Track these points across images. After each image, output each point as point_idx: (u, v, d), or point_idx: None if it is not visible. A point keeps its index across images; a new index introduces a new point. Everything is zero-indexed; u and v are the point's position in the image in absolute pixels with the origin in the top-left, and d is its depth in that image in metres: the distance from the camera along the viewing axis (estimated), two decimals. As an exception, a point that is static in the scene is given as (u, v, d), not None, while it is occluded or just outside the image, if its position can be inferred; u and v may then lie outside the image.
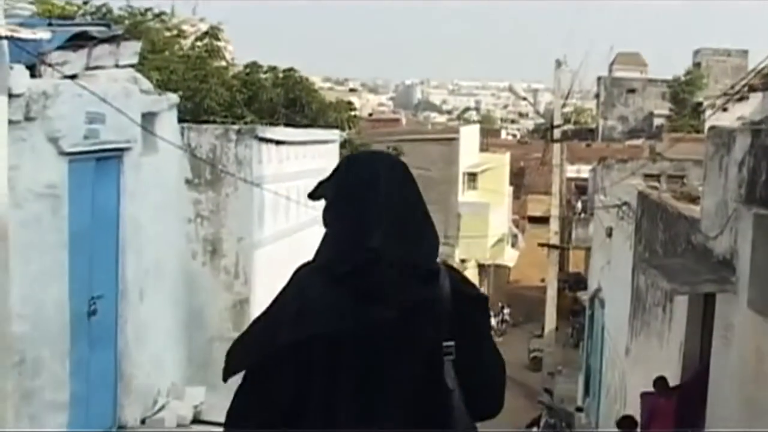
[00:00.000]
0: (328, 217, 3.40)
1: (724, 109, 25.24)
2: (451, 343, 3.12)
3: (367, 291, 3.08)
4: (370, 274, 3.09)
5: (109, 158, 9.67)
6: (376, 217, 3.18)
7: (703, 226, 12.32)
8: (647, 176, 21.92)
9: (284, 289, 3.40)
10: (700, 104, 58.20)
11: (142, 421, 10.44)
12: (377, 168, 3.35)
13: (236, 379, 4.84)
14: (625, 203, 18.56)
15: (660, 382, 13.05)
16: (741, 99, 32.94)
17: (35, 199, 8.20)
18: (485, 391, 3.45)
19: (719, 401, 11.29)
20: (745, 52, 64.60)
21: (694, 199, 15.53)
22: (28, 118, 8.04)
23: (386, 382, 3.07)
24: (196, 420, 10.97)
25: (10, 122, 7.70)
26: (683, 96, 66.60)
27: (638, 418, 13.30)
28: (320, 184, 3.45)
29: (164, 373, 11.05)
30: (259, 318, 3.35)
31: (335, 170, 3.45)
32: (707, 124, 25.75)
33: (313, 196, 3.43)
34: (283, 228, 13.16)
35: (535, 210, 49.77)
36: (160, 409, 10.80)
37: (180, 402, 11.07)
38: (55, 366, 8.54)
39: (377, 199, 3.21)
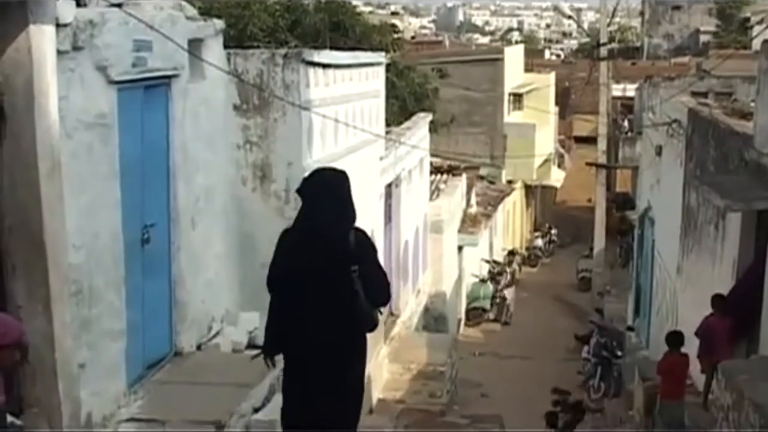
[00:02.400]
0: (301, 205, 6.68)
1: (773, 24, 24.72)
2: (356, 267, 6.40)
3: (313, 243, 6.42)
4: (315, 234, 6.45)
5: (157, 86, 9.66)
6: (320, 205, 6.47)
7: (757, 142, 12.15)
8: (694, 94, 21.56)
9: (278, 240, 6.75)
10: (747, 20, 57.21)
11: (198, 347, 10.54)
12: (324, 177, 6.78)
13: None
14: (675, 120, 18.31)
15: (717, 299, 12.97)
16: (791, 13, 32.29)
17: (85, 129, 8.21)
18: (375, 290, 6.55)
19: (774, 319, 11.22)
20: (793, -35, 63.21)
21: (745, 116, 15.32)
22: (75, 48, 8.02)
23: (324, 287, 6.39)
24: (251, 345, 11.05)
25: (59, 52, 7.68)
26: (730, 12, 65.43)
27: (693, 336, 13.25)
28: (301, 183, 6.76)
29: (218, 299, 11.13)
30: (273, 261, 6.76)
31: (304, 178, 6.89)
32: (755, 41, 25.29)
33: (298, 191, 6.69)
34: (332, 152, 13.12)
35: (581, 130, 49.38)
36: (215, 335, 10.90)
37: (234, 328, 11.16)
38: (110, 295, 8.62)
39: (320, 196, 6.51)
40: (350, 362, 6.57)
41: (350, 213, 6.57)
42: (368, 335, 6.74)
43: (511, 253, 35.51)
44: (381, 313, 6.82)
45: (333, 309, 6.37)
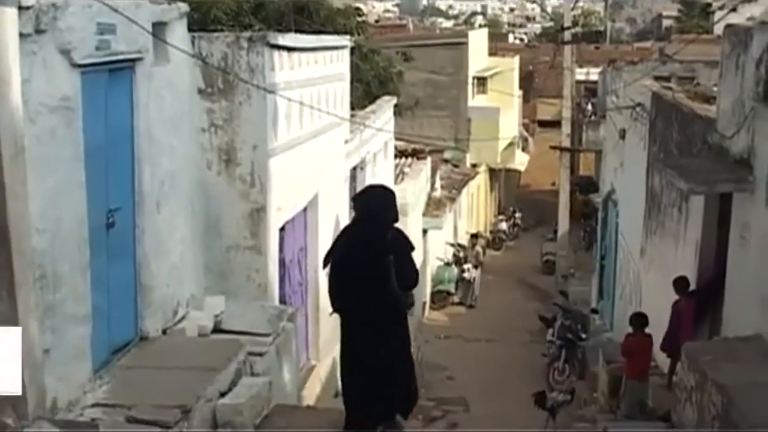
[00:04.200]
0: (354, 210, 8.76)
1: (734, 10, 24.86)
2: (391, 257, 8.15)
3: (355, 239, 8.49)
4: (356, 233, 8.57)
5: (122, 69, 9.57)
6: (361, 212, 8.62)
7: (720, 125, 12.25)
8: (657, 78, 21.69)
9: (336, 238, 8.90)
10: (709, 5, 57.40)
11: (164, 332, 10.50)
12: (367, 191, 9.30)
13: (254, 292, 12.01)
14: (639, 104, 18.44)
15: (680, 281, 13.08)
16: None
17: (49, 112, 8.13)
18: (404, 276, 8.30)
19: (736, 301, 11.33)
20: (755, -50, 63.49)
21: (708, 99, 15.45)
22: (38, 31, 7.92)
23: (364, 271, 8.20)
24: (217, 329, 11.03)
25: (21, 35, 7.59)
26: (692, -4, 65.66)
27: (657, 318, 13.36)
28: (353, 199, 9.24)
29: (183, 283, 11.09)
30: (331, 246, 8.75)
31: (356, 195, 9.69)
32: (717, 25, 25.40)
33: (353, 199, 9.06)
34: (297, 135, 13.11)
35: (544, 114, 49.55)
36: (180, 320, 10.85)
37: (200, 312, 11.12)
38: (75, 279, 8.56)
39: (362, 205, 8.65)
40: (386, 325, 8.37)
41: (388, 218, 8.47)
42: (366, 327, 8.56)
43: (474, 236, 35.61)
44: (413, 295, 8.73)
45: (370, 288, 8.22)
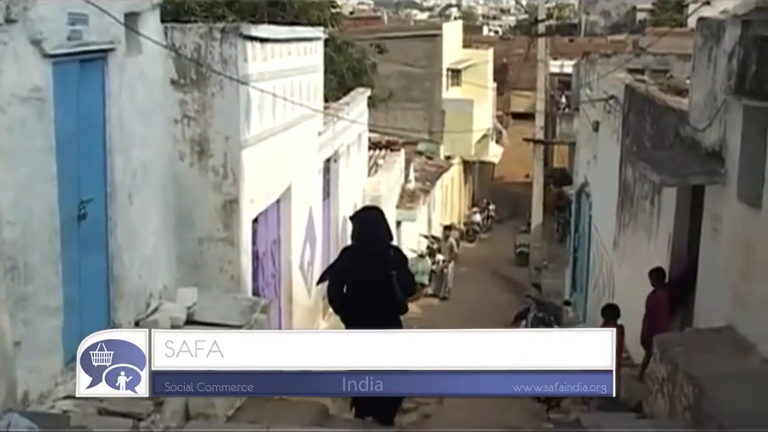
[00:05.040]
0: (353, 230, 10.00)
1: (707, 3, 24.97)
2: (394, 272, 9.56)
3: (363, 253, 9.68)
4: (364, 247, 9.75)
5: (93, 60, 9.51)
6: (363, 232, 9.81)
7: (692, 118, 12.30)
8: (631, 71, 21.74)
9: (341, 251, 10.34)
10: (682, -2, 57.69)
11: (136, 324, 10.44)
12: (366, 212, 10.46)
13: (227, 284, 12.20)
14: (612, 97, 18.49)
15: (656, 273, 13.13)
16: (725, -8, 32.59)
17: (20, 103, 8.07)
18: (405, 286, 9.67)
19: (707, 293, 11.39)
20: (728, -57, 63.68)
21: (681, 92, 15.50)
22: (8, 20, 7.87)
23: (370, 283, 9.50)
24: (190, 321, 10.99)
25: (-9, 25, 7.55)
26: (666, -10, 65.89)
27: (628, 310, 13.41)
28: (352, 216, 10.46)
29: (156, 275, 11.04)
30: (339, 254, 10.27)
31: (355, 212, 10.79)
32: (691, 18, 25.51)
33: (351, 219, 10.27)
34: (270, 126, 13.08)
35: (518, 106, 49.64)
36: (153, 312, 10.81)
37: (172, 304, 11.08)
38: (46, 271, 8.51)
39: (367, 223, 9.90)
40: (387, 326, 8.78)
41: (386, 238, 9.89)
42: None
43: (448, 227, 35.63)
44: (410, 301, 10.26)
45: (376, 297, 9.49)
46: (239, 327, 11.04)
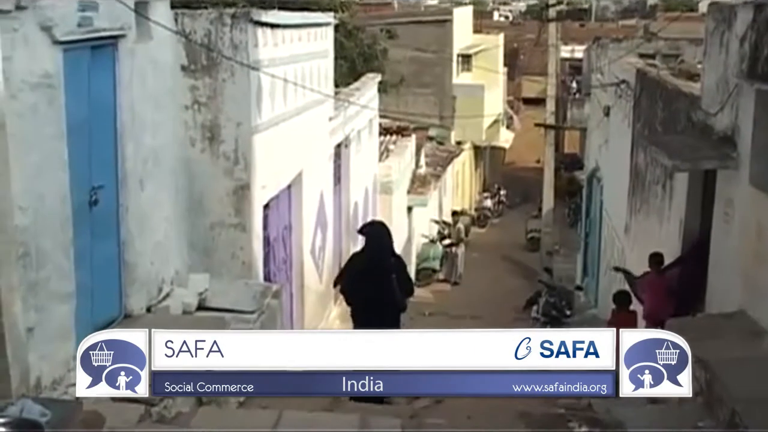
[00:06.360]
0: (365, 241, 11.29)
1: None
2: (394, 275, 10.76)
3: (370, 259, 10.98)
4: (371, 255, 11.02)
5: (104, 46, 9.52)
6: (372, 242, 11.06)
7: (704, 102, 12.25)
8: (642, 56, 21.68)
9: (350, 257, 12.49)
10: (694, -17, 57.47)
11: (148, 310, 10.48)
12: (373, 226, 11.88)
13: (238, 270, 12.30)
14: (624, 81, 18.43)
15: (654, 257, 13.12)
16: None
17: (31, 89, 8.09)
18: (404, 288, 10.92)
19: (719, 278, 11.36)
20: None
21: (692, 77, 15.44)
22: (19, 7, 7.88)
23: (373, 284, 10.68)
24: (201, 307, 11.02)
25: (1, 12, 7.55)
26: (677, -26, 65.66)
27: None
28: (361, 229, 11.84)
29: (167, 261, 11.07)
30: (350, 259, 12.12)
31: (364, 225, 12.66)
32: (702, 3, 25.43)
33: (360, 232, 11.83)
34: (281, 112, 13.08)
35: (529, 91, 49.55)
36: (165, 297, 10.84)
37: (184, 289, 11.11)
38: (58, 257, 8.53)
39: (374, 236, 11.13)
40: (388, 320, 10.48)
41: (388, 245, 11.15)
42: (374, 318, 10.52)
43: (455, 213, 35.50)
44: (408, 300, 11.34)
45: (380, 297, 10.68)
46: (251, 313, 11.08)
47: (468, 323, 24.26)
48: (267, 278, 13.07)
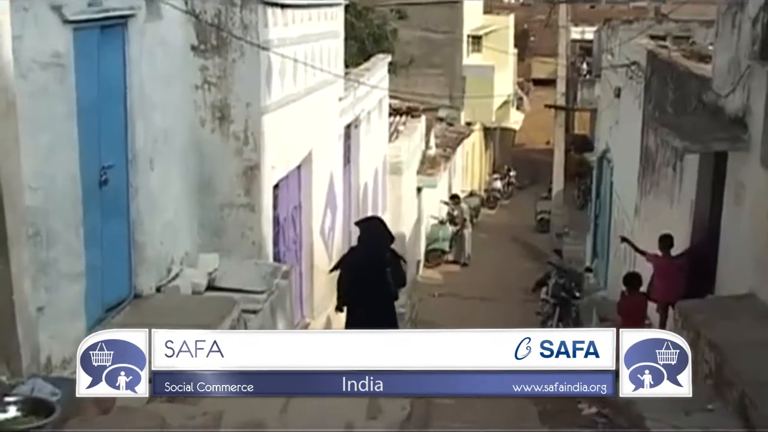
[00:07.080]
0: (361, 236, 12.65)
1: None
2: (389, 269, 12.13)
3: (366, 253, 12.30)
4: (366, 250, 12.35)
5: (114, 26, 9.50)
6: (368, 237, 12.45)
7: (715, 84, 12.22)
8: (653, 37, 21.59)
9: (347, 251, 13.83)
10: (706, -38, 57.11)
11: (158, 290, 10.50)
12: (369, 221, 13.37)
13: (248, 250, 12.27)
14: (634, 63, 18.38)
15: (664, 240, 13.11)
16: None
17: (41, 69, 8.09)
18: (397, 280, 12.33)
19: (730, 260, 11.35)
20: None
21: (703, 58, 15.41)
22: (29, -13, 7.88)
23: (368, 277, 12.04)
24: (211, 287, 11.04)
25: (11, -9, 7.54)
26: (689, -46, 65.26)
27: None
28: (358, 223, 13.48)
29: (177, 241, 11.08)
30: (342, 258, 13.33)
31: (361, 220, 13.83)
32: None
33: (357, 224, 13.34)
34: (291, 92, 13.05)
35: (539, 72, 49.43)
36: (174, 277, 10.85)
37: (194, 269, 11.12)
38: (68, 237, 8.55)
39: (367, 232, 12.55)
40: (383, 308, 12.00)
41: (385, 241, 12.43)
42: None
43: (454, 197, 34.92)
44: (401, 290, 13.04)
45: (375, 286, 11.90)
46: (260, 293, 11.09)
47: (477, 304, 24.32)
48: (276, 258, 13.08)
